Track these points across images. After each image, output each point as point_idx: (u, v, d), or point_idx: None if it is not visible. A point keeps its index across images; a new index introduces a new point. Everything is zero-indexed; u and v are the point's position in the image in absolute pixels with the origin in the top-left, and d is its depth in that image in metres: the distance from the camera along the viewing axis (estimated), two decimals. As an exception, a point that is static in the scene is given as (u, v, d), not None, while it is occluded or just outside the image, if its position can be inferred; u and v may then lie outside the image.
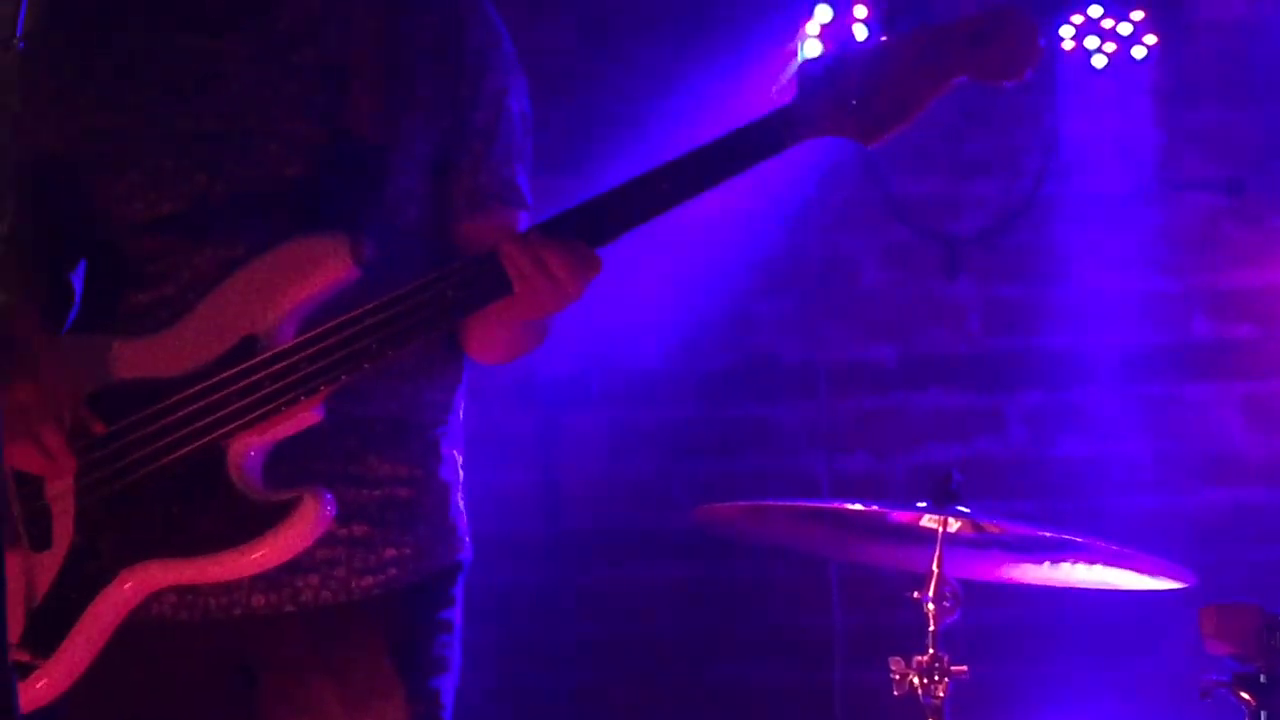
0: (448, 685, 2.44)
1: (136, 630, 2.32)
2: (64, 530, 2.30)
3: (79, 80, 2.41)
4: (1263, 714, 2.92)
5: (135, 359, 2.32)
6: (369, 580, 2.38)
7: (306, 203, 2.34)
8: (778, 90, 4.06)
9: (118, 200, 2.37)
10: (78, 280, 2.47)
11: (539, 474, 4.61)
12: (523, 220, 2.43)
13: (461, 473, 2.52)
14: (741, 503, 3.41)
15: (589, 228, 2.28)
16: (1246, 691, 2.93)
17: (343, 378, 2.27)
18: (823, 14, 4.35)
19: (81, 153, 2.40)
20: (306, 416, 2.28)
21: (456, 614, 2.48)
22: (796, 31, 4.40)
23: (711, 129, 2.61)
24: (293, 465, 2.32)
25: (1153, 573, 3.16)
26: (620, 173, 2.41)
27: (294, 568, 2.31)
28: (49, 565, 2.26)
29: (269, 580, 2.32)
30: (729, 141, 2.26)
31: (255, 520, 2.27)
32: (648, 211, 2.26)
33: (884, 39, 2.38)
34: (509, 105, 2.46)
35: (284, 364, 2.27)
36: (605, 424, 4.69)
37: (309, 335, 2.28)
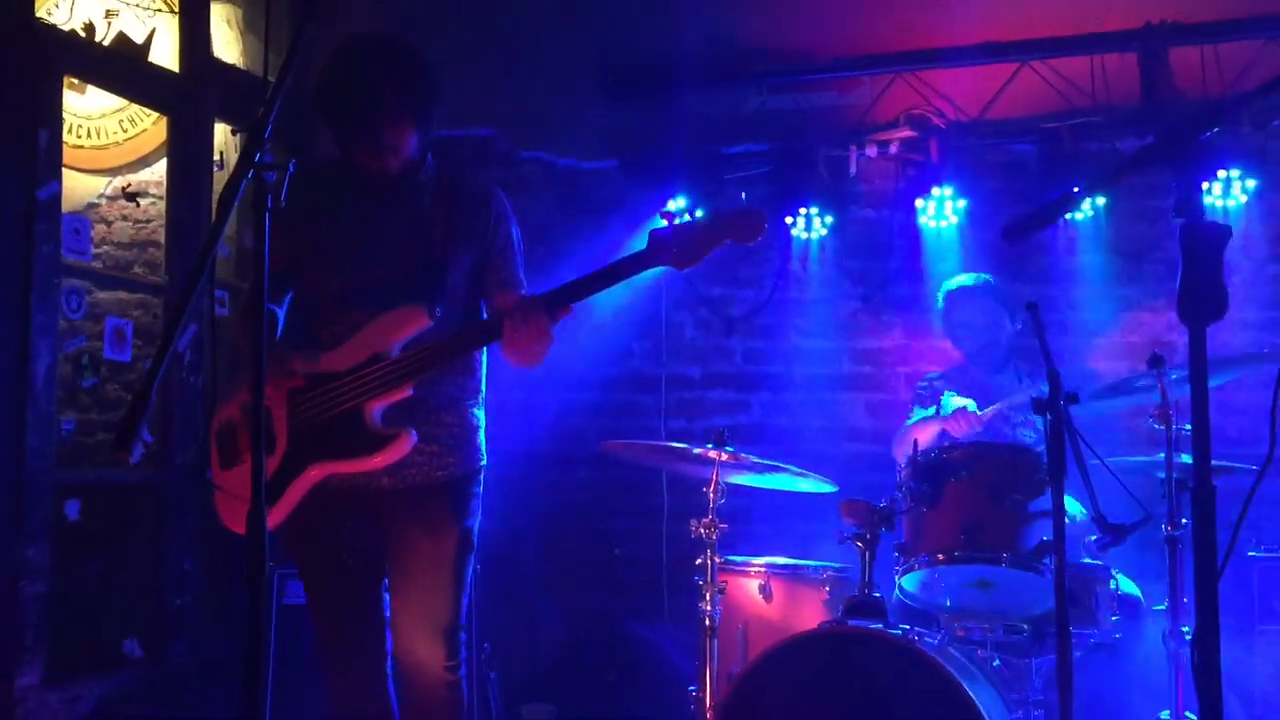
0: (475, 525, 2.95)
1: (320, 493, 2.76)
2: (281, 442, 2.70)
3: (303, 226, 2.86)
4: (868, 555, 3.68)
5: (321, 361, 2.78)
6: (440, 473, 2.85)
7: (406, 287, 2.78)
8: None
9: (318, 283, 2.90)
10: (281, 320, 2.95)
11: (523, 424, 5.68)
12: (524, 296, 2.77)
13: (485, 423, 2.93)
14: (621, 441, 4.21)
15: (549, 304, 2.69)
16: (860, 543, 3.74)
17: (419, 375, 2.72)
18: (673, 205, 5.42)
19: (302, 262, 2.89)
20: (402, 392, 2.74)
21: (480, 491, 2.95)
22: (655, 213, 5.16)
23: (603, 260, 2.75)
24: (407, 414, 2.77)
25: (813, 480, 3.91)
26: (561, 276, 2.82)
27: (403, 465, 2.79)
28: (273, 460, 2.65)
29: (390, 471, 2.79)
30: (617, 265, 2.70)
31: (377, 443, 2.72)
32: (579, 296, 2.69)
33: (690, 220, 2.70)
34: (515, 237, 2.97)
35: (393, 368, 2.71)
36: (556, 402, 5.92)
37: (404, 355, 2.70)
